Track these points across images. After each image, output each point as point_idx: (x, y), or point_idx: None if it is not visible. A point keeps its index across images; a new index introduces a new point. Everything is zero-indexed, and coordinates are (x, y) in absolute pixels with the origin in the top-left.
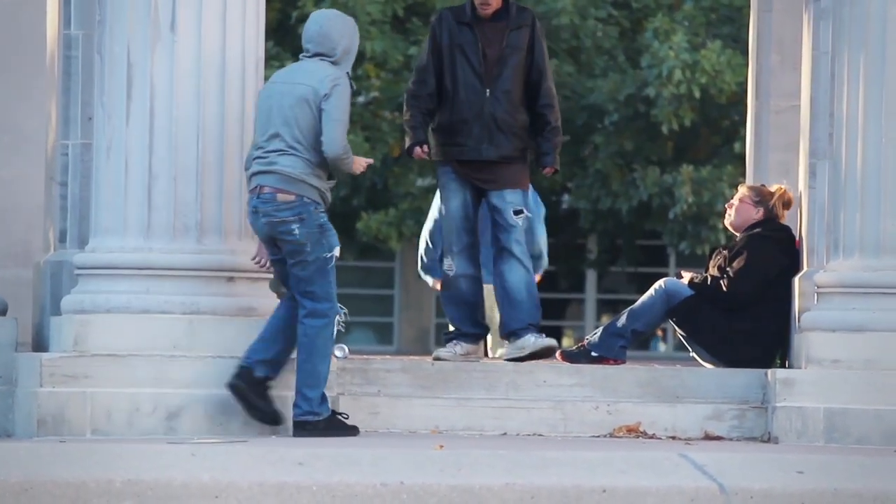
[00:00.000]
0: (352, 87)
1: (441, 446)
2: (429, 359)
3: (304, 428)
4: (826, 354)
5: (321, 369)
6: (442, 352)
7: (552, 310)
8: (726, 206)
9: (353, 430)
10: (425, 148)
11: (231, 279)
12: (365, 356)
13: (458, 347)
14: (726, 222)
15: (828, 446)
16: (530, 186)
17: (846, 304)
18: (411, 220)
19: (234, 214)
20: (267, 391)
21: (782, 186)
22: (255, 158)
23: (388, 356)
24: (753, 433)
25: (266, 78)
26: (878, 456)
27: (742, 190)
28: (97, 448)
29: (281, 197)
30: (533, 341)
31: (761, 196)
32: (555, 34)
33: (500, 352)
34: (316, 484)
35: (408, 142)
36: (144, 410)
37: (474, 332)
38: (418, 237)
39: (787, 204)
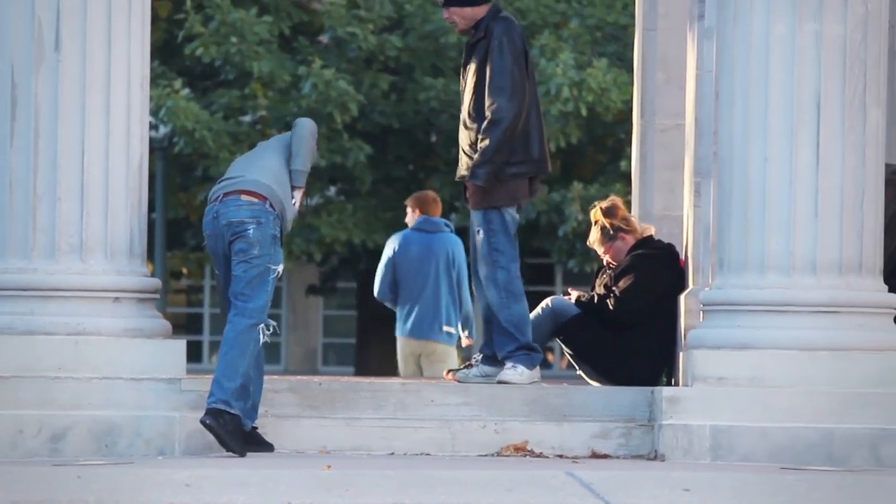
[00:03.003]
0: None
1: (329, 466)
2: (316, 378)
3: (216, 417)
4: (711, 372)
5: (239, 364)
6: (467, 373)
7: None
8: (605, 264)
9: (242, 450)
10: None
11: (117, 300)
12: None
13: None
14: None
15: (714, 464)
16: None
17: (731, 321)
18: (299, 237)
19: (120, 234)
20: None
21: (594, 208)
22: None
23: (275, 376)
24: (640, 451)
25: (151, 98)
26: (764, 473)
27: (596, 247)
28: None
29: (245, 197)
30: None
31: (609, 234)
32: (442, 53)
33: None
34: None
35: None
36: (29, 432)
37: (487, 352)
38: (308, 255)
39: (614, 212)
